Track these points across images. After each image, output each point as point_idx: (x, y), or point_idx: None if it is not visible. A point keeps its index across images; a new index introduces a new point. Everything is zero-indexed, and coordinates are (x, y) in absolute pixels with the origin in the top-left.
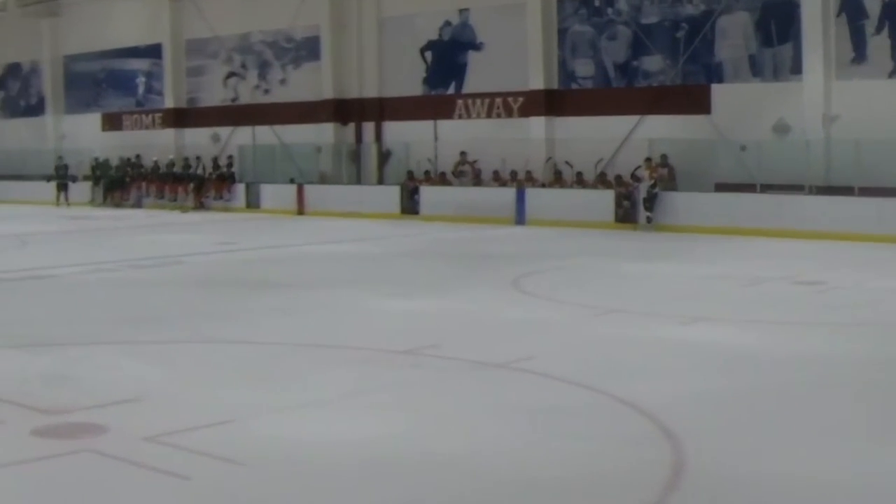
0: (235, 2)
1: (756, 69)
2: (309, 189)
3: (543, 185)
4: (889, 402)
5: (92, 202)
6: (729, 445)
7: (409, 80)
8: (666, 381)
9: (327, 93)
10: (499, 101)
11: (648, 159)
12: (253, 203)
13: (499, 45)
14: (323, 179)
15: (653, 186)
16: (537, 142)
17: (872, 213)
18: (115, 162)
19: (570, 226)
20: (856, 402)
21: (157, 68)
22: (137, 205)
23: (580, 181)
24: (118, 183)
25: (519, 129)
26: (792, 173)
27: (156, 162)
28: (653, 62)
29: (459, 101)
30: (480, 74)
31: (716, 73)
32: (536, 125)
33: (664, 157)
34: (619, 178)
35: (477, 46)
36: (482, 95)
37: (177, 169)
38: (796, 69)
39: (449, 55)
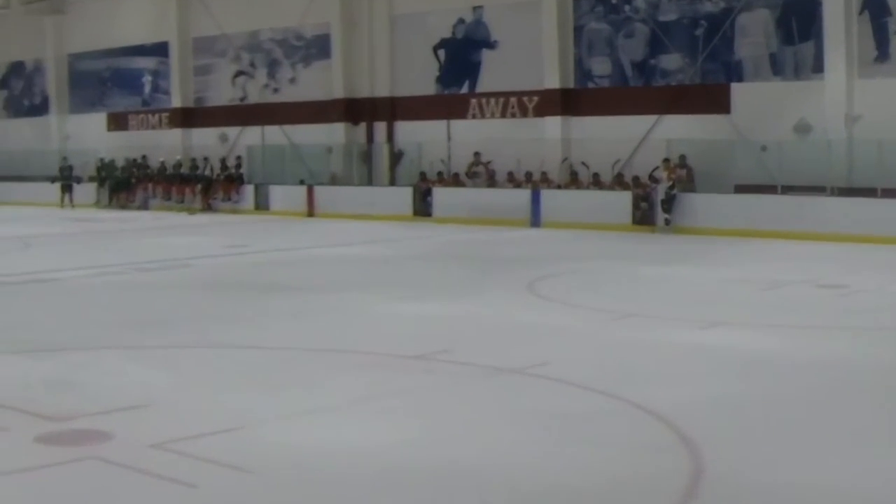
0: None
1: (777, 68)
2: (319, 190)
3: (559, 187)
4: None
5: (97, 204)
6: (748, 452)
7: (421, 78)
8: (684, 387)
9: (338, 92)
10: (513, 100)
11: (666, 160)
12: (262, 205)
13: (513, 43)
14: (333, 181)
15: (671, 188)
16: (553, 142)
17: (895, 214)
18: (120, 163)
19: (586, 228)
20: (878, 408)
21: (164, 67)
22: (143, 206)
23: (597, 182)
24: (124, 184)
25: (534, 129)
26: (813, 174)
27: (162, 163)
28: (671, 60)
29: (473, 101)
30: (495, 73)
31: (735, 72)
32: (552, 125)
33: (683, 157)
34: (636, 179)
35: (491, 44)
36: (496, 94)
37: (184, 170)
38: (818, 68)
39: (462, 53)
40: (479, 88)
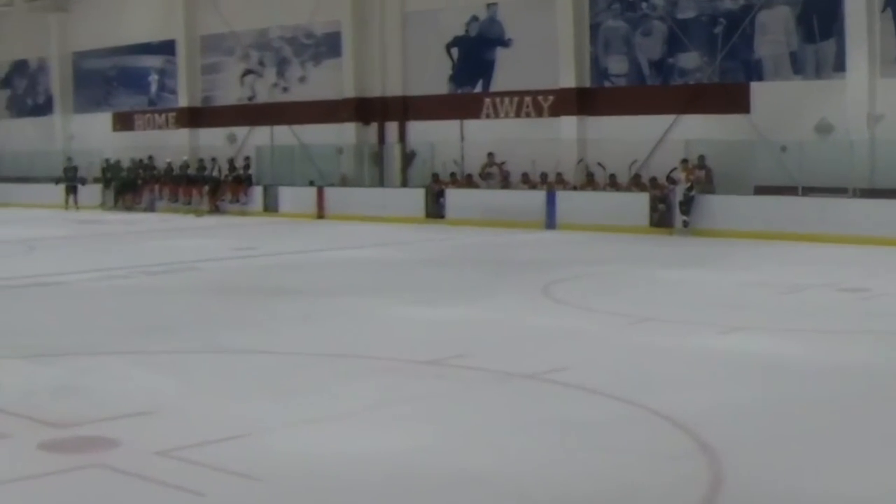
0: None
1: (797, 66)
2: (329, 192)
3: (575, 188)
4: None
5: (102, 205)
6: (768, 460)
7: (434, 77)
8: (703, 393)
9: (349, 91)
10: (528, 99)
11: (685, 161)
12: (271, 207)
13: (528, 42)
14: (344, 182)
15: (689, 189)
16: (568, 142)
17: None
18: (126, 163)
19: (602, 230)
20: None
21: (171, 65)
22: (150, 208)
23: (613, 184)
24: (130, 185)
25: (549, 129)
26: (835, 175)
27: (169, 163)
28: (689, 59)
29: (487, 100)
30: (509, 72)
31: (755, 71)
32: (567, 125)
33: (701, 158)
34: (653, 180)
35: (505, 43)
36: (511, 94)
37: (191, 171)
38: (839, 66)
39: (476, 52)
40: (493, 87)
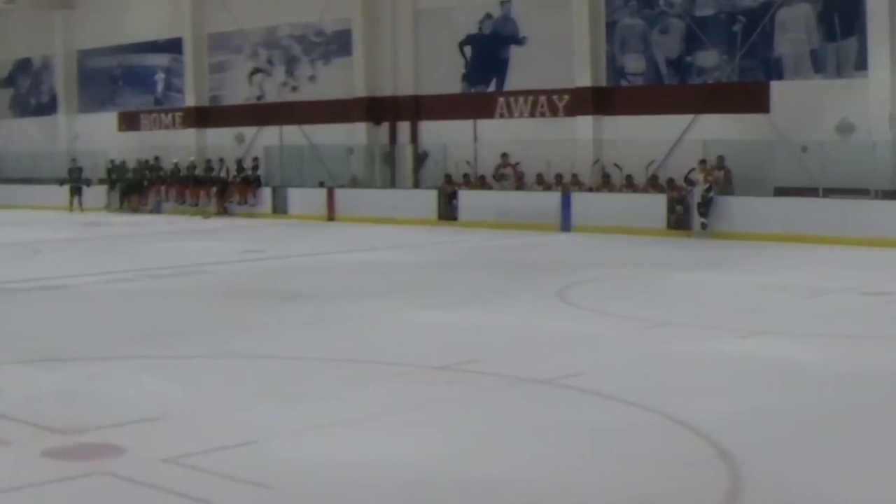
0: None
1: (818, 65)
2: (340, 193)
3: (590, 190)
4: None
5: (107, 207)
6: (788, 467)
7: (446, 76)
8: (721, 399)
9: (359, 90)
10: (543, 99)
11: (703, 161)
12: (280, 208)
13: (543, 40)
14: (354, 183)
15: (707, 190)
16: (584, 143)
17: None
18: (132, 164)
19: (618, 233)
20: None
21: (178, 64)
22: (156, 210)
23: (630, 185)
24: (135, 187)
25: (564, 129)
26: (857, 176)
27: (176, 164)
28: (708, 57)
29: (501, 100)
30: (523, 71)
31: (775, 70)
32: (583, 125)
33: (720, 158)
34: (671, 181)
35: (519, 41)
36: (525, 93)
37: (198, 172)
38: (861, 65)
39: (489, 50)
40: (507, 87)
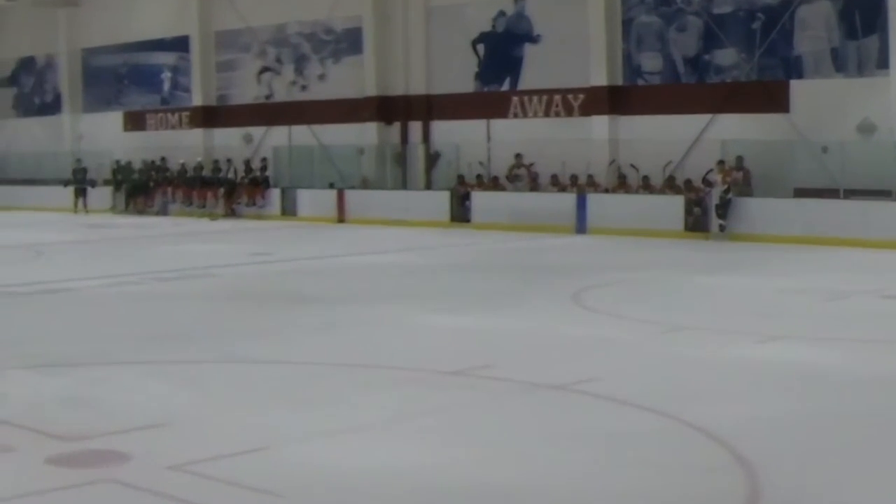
0: None
1: (839, 63)
2: (350, 195)
3: (606, 191)
4: None
5: (113, 209)
6: (808, 474)
7: (459, 75)
8: (739, 405)
9: (370, 89)
10: (557, 98)
11: (721, 162)
12: (289, 210)
13: (558, 38)
14: (365, 184)
15: (726, 192)
16: (600, 143)
17: None
18: (137, 165)
19: (635, 235)
20: None
21: (185, 63)
22: (162, 212)
23: (646, 186)
24: (141, 188)
25: (580, 128)
26: (878, 177)
27: (182, 165)
28: (726, 56)
29: (514, 99)
30: (537, 69)
31: (795, 68)
32: (599, 125)
33: (739, 159)
34: (689, 182)
35: (534, 39)
36: (539, 92)
37: (205, 173)
38: (883, 63)
39: (503, 48)
40: (521, 86)
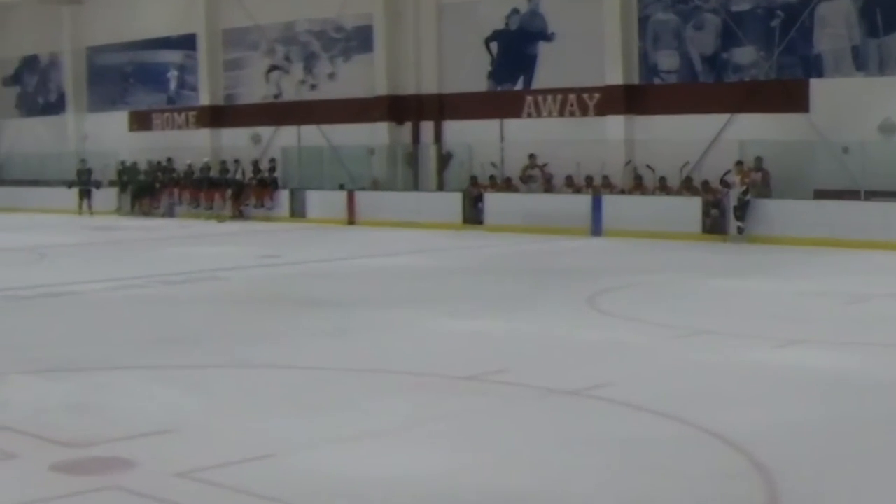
0: None
1: (860, 62)
2: (360, 196)
3: (622, 192)
4: None
5: (118, 211)
6: (828, 481)
7: (472, 74)
8: (758, 410)
9: (381, 88)
10: (572, 97)
11: (740, 163)
12: (298, 212)
13: (572, 36)
14: (376, 185)
15: (744, 193)
16: (615, 143)
17: None
18: (143, 166)
19: (651, 237)
20: None
21: (191, 61)
22: (169, 214)
23: (663, 187)
24: (147, 189)
25: (595, 128)
26: None
27: (189, 166)
28: (745, 54)
29: (528, 98)
30: (552, 68)
31: (815, 67)
32: (614, 125)
33: (758, 160)
34: (706, 183)
35: (548, 37)
36: (554, 91)
37: (213, 173)
38: None
39: (517, 46)
40: (535, 85)
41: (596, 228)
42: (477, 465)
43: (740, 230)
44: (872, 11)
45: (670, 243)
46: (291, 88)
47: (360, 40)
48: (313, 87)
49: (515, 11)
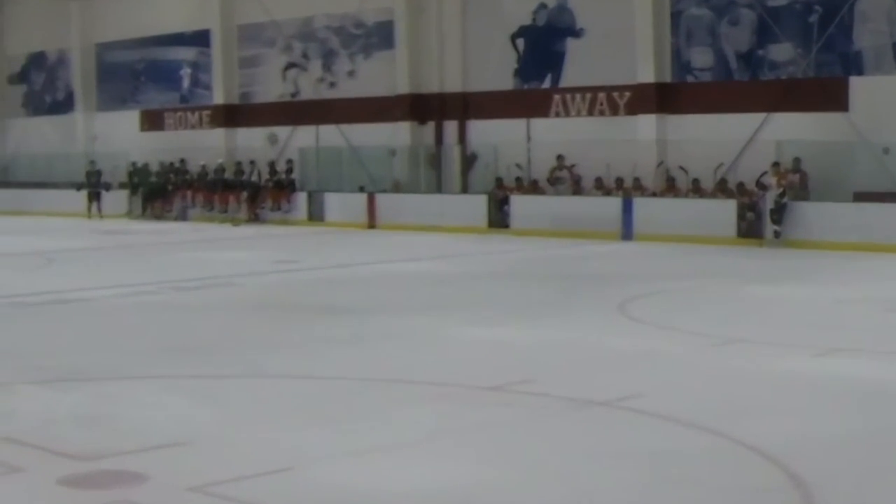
0: None
1: None
2: (381, 199)
3: (654, 195)
4: None
5: (129, 214)
6: (866, 495)
7: (497, 71)
8: (794, 422)
9: (402, 87)
10: (602, 96)
11: (776, 164)
12: (316, 215)
13: (602, 32)
14: (397, 188)
15: (781, 195)
16: (647, 144)
17: None
18: (155, 167)
19: (684, 241)
20: None
21: (205, 58)
22: (181, 217)
23: (696, 189)
24: (159, 192)
25: (625, 128)
26: None
27: (203, 167)
28: (781, 51)
29: (556, 97)
30: (580, 65)
31: (854, 64)
32: (646, 124)
33: (795, 161)
34: (741, 185)
35: (577, 33)
36: (582, 90)
37: (227, 175)
38: None
39: (544, 43)
40: (563, 83)
41: (626, 232)
42: (502, 478)
43: (777, 234)
44: None
45: (704, 248)
46: (309, 87)
47: (380, 36)
48: (332, 85)
49: (543, 6)
